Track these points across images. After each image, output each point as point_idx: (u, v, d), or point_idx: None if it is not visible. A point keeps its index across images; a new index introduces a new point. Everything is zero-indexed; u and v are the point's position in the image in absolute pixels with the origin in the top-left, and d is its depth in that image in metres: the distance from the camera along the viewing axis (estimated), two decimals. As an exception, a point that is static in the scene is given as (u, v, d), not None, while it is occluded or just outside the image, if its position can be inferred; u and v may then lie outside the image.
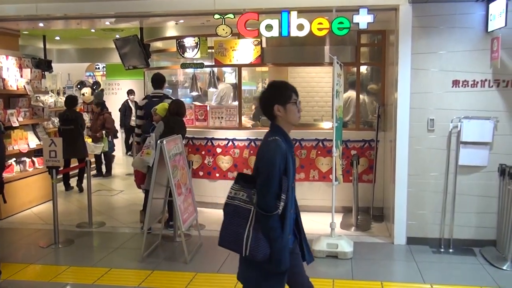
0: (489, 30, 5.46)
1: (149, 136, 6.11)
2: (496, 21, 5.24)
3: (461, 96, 5.64)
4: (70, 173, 9.48)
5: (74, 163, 9.02)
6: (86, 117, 10.83)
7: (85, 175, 7.74)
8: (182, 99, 7.13)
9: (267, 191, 2.77)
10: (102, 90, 13.60)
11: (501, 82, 5.57)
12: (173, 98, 7.12)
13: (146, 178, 6.30)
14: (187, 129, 7.12)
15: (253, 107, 10.19)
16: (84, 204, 7.17)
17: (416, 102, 5.72)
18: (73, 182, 9.43)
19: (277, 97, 2.94)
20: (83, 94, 12.56)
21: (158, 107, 6.41)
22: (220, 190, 7.51)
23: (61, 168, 6.31)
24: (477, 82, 5.60)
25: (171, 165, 5.35)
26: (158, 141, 5.31)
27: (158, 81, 7.10)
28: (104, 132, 9.86)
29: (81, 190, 9.04)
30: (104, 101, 10.58)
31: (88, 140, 10.31)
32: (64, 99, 10.84)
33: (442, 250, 5.68)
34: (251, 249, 2.80)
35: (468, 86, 5.62)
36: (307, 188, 7.28)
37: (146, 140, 6.15)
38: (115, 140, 10.77)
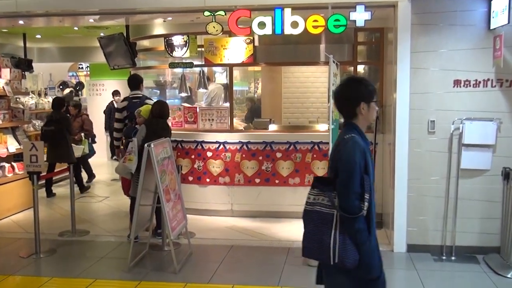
0: (491, 27, 5.50)
1: (132, 141, 6.09)
2: (499, 18, 5.28)
3: (462, 96, 5.67)
4: (54, 178, 9.45)
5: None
6: None
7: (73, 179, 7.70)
8: (170, 100, 7.13)
9: (349, 192, 2.73)
10: (72, 91, 13.54)
11: (504, 81, 5.61)
12: (153, 99, 7.13)
13: (132, 185, 6.29)
14: (173, 132, 7.12)
15: (246, 108, 10.22)
16: (67, 211, 7.14)
17: (416, 103, 5.75)
18: (55, 188, 9.38)
19: (364, 95, 2.90)
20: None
21: (142, 109, 6.38)
22: (210, 196, 7.50)
23: (43, 174, 6.28)
24: (479, 82, 5.64)
25: (159, 170, 5.34)
26: (146, 145, 5.30)
27: (134, 82, 7.07)
28: (83, 134, 9.78)
29: (50, 195, 9.09)
30: (81, 103, 10.53)
31: None
32: (45, 100, 10.83)
33: (444, 257, 5.71)
34: (339, 256, 2.73)
35: (470, 86, 5.66)
36: (302, 194, 7.22)
37: (129, 145, 6.13)
38: (99, 144, 10.73)
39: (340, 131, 2.96)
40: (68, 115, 9.47)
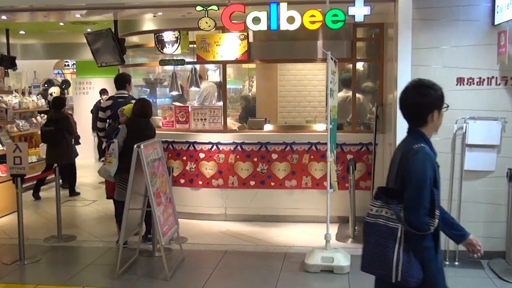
0: (495, 23, 5.51)
1: (113, 143, 6.08)
2: (503, 13, 5.29)
3: (466, 94, 5.69)
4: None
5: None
6: None
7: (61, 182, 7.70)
8: (160, 99, 7.12)
9: (418, 206, 2.68)
10: (46, 90, 13.48)
11: (509, 79, 5.63)
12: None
13: (116, 188, 6.28)
14: (164, 132, 7.11)
15: (240, 107, 10.21)
16: (53, 216, 7.11)
17: (418, 102, 5.75)
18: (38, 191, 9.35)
19: (437, 101, 2.87)
20: (51, 94, 12.46)
21: (126, 108, 6.36)
22: (203, 199, 7.49)
23: (28, 176, 6.25)
24: (483, 80, 5.66)
25: (149, 172, 5.33)
26: (135, 146, 5.29)
27: (120, 80, 7.06)
28: None
29: (37, 198, 9.17)
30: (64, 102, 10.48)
31: None
32: (29, 99, 10.78)
33: (447, 263, 5.72)
34: (402, 273, 2.68)
35: (473, 84, 5.67)
36: (299, 196, 7.29)
37: (110, 146, 6.12)
38: (86, 145, 10.70)
39: (406, 139, 2.92)
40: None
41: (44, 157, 9.14)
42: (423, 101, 2.86)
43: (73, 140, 9.89)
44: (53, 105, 9.15)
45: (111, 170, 5.96)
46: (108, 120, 6.87)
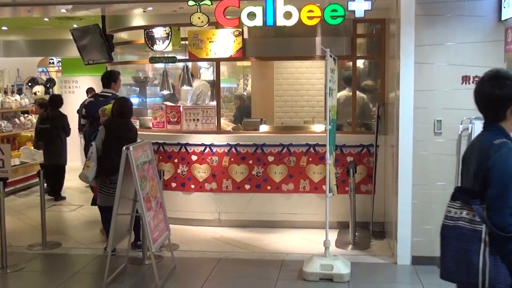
0: (502, 18, 5.52)
1: (91, 146, 6.08)
2: (511, 9, 5.30)
3: (471, 94, 5.67)
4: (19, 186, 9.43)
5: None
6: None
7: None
8: (151, 99, 7.10)
9: (503, 206, 2.60)
10: (20, 89, 13.45)
11: (517, 77, 5.64)
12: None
13: (98, 193, 6.27)
14: (154, 133, 7.10)
15: (234, 107, 10.21)
16: (37, 221, 7.08)
17: (421, 101, 5.77)
18: (22, 197, 9.32)
19: None
20: (35, 93, 12.43)
21: (107, 107, 6.35)
22: (196, 204, 7.48)
23: (9, 180, 6.23)
24: (490, 78, 5.66)
25: (139, 176, 5.31)
26: (124, 148, 5.27)
27: (106, 78, 7.11)
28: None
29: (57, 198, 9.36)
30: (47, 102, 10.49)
31: (29, 145, 10.19)
32: (12, 99, 10.75)
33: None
34: (490, 280, 2.61)
35: (479, 82, 5.67)
36: (296, 201, 7.29)
37: (89, 150, 6.11)
38: (72, 146, 10.65)
39: (482, 134, 2.84)
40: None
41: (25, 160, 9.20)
42: (502, 93, 2.76)
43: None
44: (51, 103, 9.33)
45: (88, 175, 5.97)
46: (89, 118, 6.92)
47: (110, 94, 6.98)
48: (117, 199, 5.37)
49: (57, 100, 9.41)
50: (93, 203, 6.87)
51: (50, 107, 9.30)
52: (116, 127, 6.10)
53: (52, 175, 9.14)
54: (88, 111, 6.98)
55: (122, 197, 5.48)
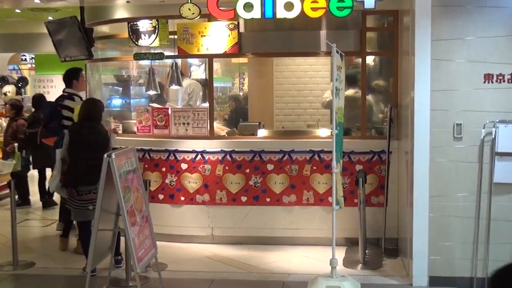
0: (529, 10, 5.55)
1: (57, 150, 6.11)
2: (538, -1, 5.33)
3: (495, 94, 5.70)
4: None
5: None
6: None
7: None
8: (135, 100, 7.09)
9: None
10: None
11: (546, 76, 5.67)
12: (77, 99, 7.16)
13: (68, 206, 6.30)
14: (140, 139, 7.09)
15: (229, 109, 10.22)
16: (7, 238, 7.06)
17: (439, 103, 5.77)
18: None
19: None
20: (5, 94, 12.43)
21: (75, 109, 6.41)
22: (186, 218, 7.47)
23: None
24: (516, 77, 5.69)
25: (122, 186, 5.31)
26: (106, 155, 5.27)
27: (67, 76, 7.25)
28: (16, 145, 9.60)
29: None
30: (22, 105, 10.46)
31: None
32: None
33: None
34: None
35: (504, 81, 5.69)
36: (298, 215, 7.29)
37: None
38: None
39: None
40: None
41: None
42: None
43: (23, 150, 9.90)
44: (36, 105, 9.49)
45: (50, 185, 5.99)
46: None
47: (66, 94, 7.08)
48: (98, 213, 5.35)
49: (43, 101, 9.46)
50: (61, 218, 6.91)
51: (35, 109, 9.40)
52: (79, 131, 6.12)
53: (39, 179, 9.42)
54: (44, 115, 7.05)
55: (103, 210, 5.47)
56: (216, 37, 7.40)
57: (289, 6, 5.87)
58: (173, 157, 7.46)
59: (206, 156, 7.38)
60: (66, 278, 6.34)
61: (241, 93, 11.84)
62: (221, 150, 7.36)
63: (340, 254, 6.66)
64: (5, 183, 8.16)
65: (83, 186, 5.92)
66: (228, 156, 7.34)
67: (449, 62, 5.76)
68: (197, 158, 7.40)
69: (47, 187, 9.44)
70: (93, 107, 6.32)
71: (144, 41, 7.62)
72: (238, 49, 7.44)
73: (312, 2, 5.83)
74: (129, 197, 5.44)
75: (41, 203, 9.74)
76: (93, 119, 6.28)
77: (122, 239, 5.93)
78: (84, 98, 7.64)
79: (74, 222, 6.84)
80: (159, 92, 9.23)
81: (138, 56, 7.78)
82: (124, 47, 8.39)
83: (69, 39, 8.33)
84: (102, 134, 6.34)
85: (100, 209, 5.35)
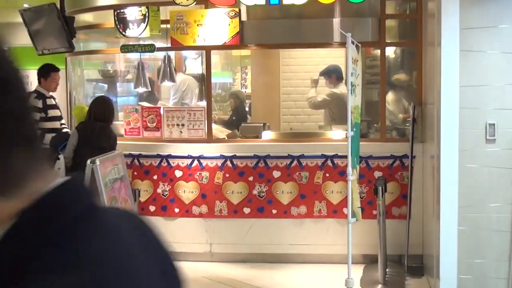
0: None
1: (58, 159, 6.12)
2: None
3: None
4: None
5: None
6: None
7: None
8: (122, 98, 7.09)
9: None
10: None
11: None
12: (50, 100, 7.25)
13: None
14: (128, 143, 7.11)
15: (230, 108, 10.22)
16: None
17: (468, 100, 5.77)
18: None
19: None
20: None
21: (76, 107, 6.44)
22: (181, 232, 7.46)
23: None
24: (557, 70, 5.69)
25: (108, 197, 5.32)
26: (88, 162, 5.29)
27: (37, 73, 7.33)
28: None
29: None
30: None
31: None
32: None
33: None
34: None
35: (543, 75, 5.70)
36: (309, 228, 7.28)
37: (55, 164, 6.15)
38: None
39: None
40: None
41: None
42: None
43: None
44: None
45: None
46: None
47: (33, 91, 7.21)
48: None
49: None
50: None
51: None
52: (92, 131, 6.16)
53: None
54: None
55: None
56: (215, 26, 7.41)
57: (297, -9, 5.89)
58: (166, 163, 7.46)
59: (204, 162, 7.39)
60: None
61: (243, 90, 11.84)
62: (221, 155, 7.37)
63: (357, 273, 6.65)
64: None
65: None
66: (228, 162, 7.35)
67: (480, 54, 5.76)
68: (193, 165, 7.41)
69: None
70: (107, 106, 6.37)
71: (133, 31, 7.62)
72: (239, 40, 7.45)
73: (323, -14, 5.85)
74: (116, 209, 5.46)
75: None
76: (106, 120, 6.32)
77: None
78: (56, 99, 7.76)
79: None
80: (150, 89, 9.25)
81: (125, 49, 7.79)
82: (110, 38, 8.42)
83: (47, 29, 8.34)
84: (113, 138, 6.39)
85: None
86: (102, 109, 6.29)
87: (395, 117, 7.90)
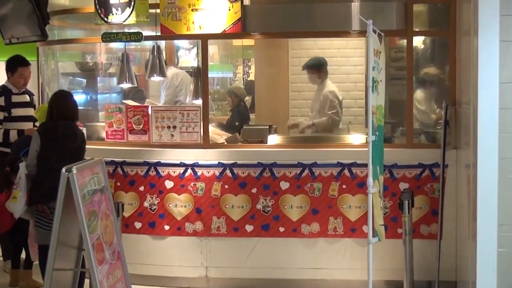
0: None
1: (20, 165, 6.14)
2: None
3: None
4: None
5: None
6: None
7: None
8: (104, 95, 7.08)
9: None
10: None
11: None
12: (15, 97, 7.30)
13: (35, 227, 6.33)
14: (111, 148, 7.12)
15: (229, 108, 10.23)
16: None
17: (510, 99, 5.78)
18: None
19: None
20: None
21: (39, 109, 6.46)
22: (172, 253, 7.47)
23: None
24: None
25: (86, 211, 5.32)
26: (64, 170, 5.29)
27: (5, 67, 7.65)
28: None
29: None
30: None
31: None
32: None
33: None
34: None
35: None
36: (323, 249, 7.28)
37: (18, 172, 6.17)
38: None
39: None
40: None
41: None
42: None
43: None
44: None
45: (15, 210, 6.05)
46: None
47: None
48: (53, 248, 5.36)
49: None
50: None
51: None
52: (54, 133, 6.16)
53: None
54: None
55: (61, 243, 5.48)
56: (212, 11, 7.42)
57: (309, -30, 5.90)
58: (155, 172, 7.47)
59: (199, 171, 7.39)
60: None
61: (245, 86, 11.85)
62: (219, 162, 7.37)
63: (379, 302, 6.66)
64: None
65: (55, 202, 5.96)
66: (228, 171, 7.35)
67: (525, 45, 5.77)
68: (187, 174, 7.41)
69: None
70: (68, 101, 6.38)
71: (116, 17, 7.63)
72: (241, 28, 7.46)
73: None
74: (96, 226, 5.46)
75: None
76: (70, 117, 6.34)
77: (87, 281, 5.95)
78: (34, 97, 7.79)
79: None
80: (136, 85, 9.25)
81: (107, 37, 7.78)
82: (89, 25, 8.43)
83: (15, 14, 8.36)
84: (79, 136, 6.39)
85: (57, 242, 5.37)
86: (63, 105, 6.29)
87: (424, 119, 7.88)
